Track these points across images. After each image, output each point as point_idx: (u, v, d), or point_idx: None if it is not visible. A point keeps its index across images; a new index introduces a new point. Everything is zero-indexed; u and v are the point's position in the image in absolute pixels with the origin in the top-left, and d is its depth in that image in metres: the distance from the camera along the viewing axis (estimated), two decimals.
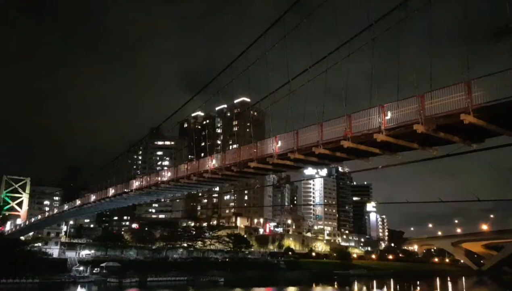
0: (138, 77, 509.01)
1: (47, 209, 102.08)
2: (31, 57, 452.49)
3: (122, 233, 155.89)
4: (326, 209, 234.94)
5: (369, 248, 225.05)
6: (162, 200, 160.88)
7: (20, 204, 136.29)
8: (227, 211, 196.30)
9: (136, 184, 51.96)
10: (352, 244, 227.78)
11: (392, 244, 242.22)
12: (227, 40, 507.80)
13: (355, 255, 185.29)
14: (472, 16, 17.45)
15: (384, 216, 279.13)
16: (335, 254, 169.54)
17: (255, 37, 30.62)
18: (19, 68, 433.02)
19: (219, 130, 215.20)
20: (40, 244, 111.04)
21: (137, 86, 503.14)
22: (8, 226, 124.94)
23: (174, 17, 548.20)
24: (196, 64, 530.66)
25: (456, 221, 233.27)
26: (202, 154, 38.26)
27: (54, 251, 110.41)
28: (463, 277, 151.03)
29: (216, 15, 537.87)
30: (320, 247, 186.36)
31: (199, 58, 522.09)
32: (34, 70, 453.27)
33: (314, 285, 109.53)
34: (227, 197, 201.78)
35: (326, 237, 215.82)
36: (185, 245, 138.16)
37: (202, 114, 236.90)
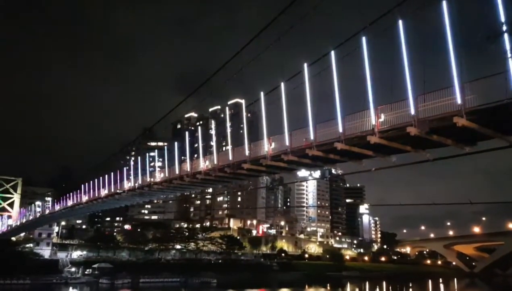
0: (131, 79, 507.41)
1: (38, 209, 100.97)
2: (25, 58, 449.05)
3: (115, 234, 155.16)
4: (319, 211, 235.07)
5: (362, 250, 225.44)
6: (155, 201, 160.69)
7: (11, 205, 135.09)
8: (220, 212, 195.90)
9: (128, 184, 51.74)
10: (345, 245, 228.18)
11: (385, 246, 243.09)
12: (220, 42, 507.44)
13: (348, 257, 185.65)
14: (468, 18, 17.49)
15: (377, 218, 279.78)
16: (328, 256, 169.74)
17: (248, 39, 30.51)
18: (13, 69, 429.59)
19: (212, 132, 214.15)
20: (31, 245, 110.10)
21: (131, 88, 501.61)
22: None
23: (167, 19, 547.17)
24: (189, 66, 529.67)
25: (448, 224, 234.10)
26: (196, 155, 38.06)
27: (46, 252, 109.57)
28: (455, 279, 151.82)
29: (209, 17, 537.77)
30: (313, 248, 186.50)
31: (193, 60, 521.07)
32: (27, 71, 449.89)
33: (307, 286, 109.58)
34: (220, 198, 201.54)
35: (319, 239, 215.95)
36: (178, 246, 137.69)
37: (195, 115, 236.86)
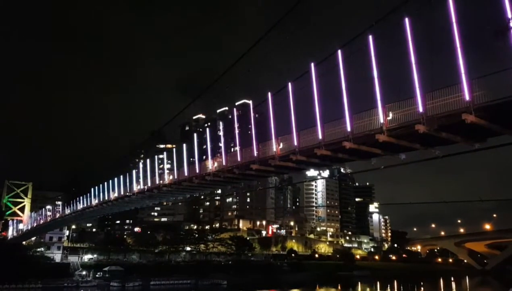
0: (137, 82, 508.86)
1: (49, 213, 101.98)
2: (28, 62, 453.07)
3: (125, 236, 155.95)
4: (328, 210, 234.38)
5: (372, 249, 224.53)
6: (164, 203, 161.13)
7: (22, 209, 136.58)
8: (229, 214, 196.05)
9: (138, 187, 52.05)
10: (355, 245, 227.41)
11: (395, 245, 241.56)
12: (225, 44, 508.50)
13: (358, 256, 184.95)
14: (475, 15, 17.42)
15: (387, 217, 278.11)
16: (338, 256, 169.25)
17: (253, 40, 30.57)
18: (16, 72, 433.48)
19: (220, 133, 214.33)
20: (42, 249, 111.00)
21: (140, 91, 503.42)
22: (10, 231, 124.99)
23: (173, 21, 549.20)
24: (194, 69, 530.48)
25: (459, 221, 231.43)
26: (204, 157, 38.19)
27: (57, 255, 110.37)
28: (467, 277, 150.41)
29: (213, 19, 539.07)
30: (323, 248, 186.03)
31: (198, 63, 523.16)
32: (33, 73, 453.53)
33: (317, 286, 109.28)
34: (229, 200, 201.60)
35: (329, 238, 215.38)
36: (188, 248, 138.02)
37: (203, 117, 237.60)
